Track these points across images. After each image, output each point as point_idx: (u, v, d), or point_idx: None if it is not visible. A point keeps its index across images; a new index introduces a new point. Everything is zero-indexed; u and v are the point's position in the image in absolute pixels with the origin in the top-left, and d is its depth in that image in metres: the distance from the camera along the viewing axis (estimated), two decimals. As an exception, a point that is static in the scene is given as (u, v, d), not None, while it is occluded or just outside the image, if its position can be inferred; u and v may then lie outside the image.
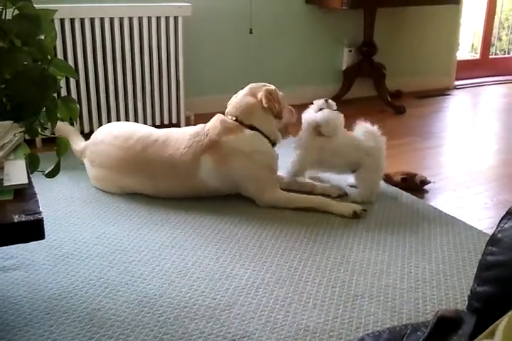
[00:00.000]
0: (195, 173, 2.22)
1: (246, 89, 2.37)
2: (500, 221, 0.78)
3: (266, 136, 2.29)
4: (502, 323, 0.60)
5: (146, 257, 1.84)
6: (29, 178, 1.02)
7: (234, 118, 2.29)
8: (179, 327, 1.49)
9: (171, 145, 2.25)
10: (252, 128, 2.27)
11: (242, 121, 2.27)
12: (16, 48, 1.44)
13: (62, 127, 2.16)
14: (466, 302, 0.80)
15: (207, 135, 2.25)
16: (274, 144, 2.34)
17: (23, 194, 0.98)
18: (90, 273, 1.74)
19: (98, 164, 2.34)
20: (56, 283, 1.68)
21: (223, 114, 2.35)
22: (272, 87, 2.38)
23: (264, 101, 2.27)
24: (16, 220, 0.88)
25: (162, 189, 2.27)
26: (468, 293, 1.63)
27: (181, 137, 2.26)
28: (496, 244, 0.76)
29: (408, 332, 0.76)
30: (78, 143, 2.50)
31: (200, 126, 2.33)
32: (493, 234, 0.77)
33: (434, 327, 0.68)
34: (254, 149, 2.24)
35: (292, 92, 3.89)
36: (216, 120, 2.30)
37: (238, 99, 2.34)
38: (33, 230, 0.90)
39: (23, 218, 0.89)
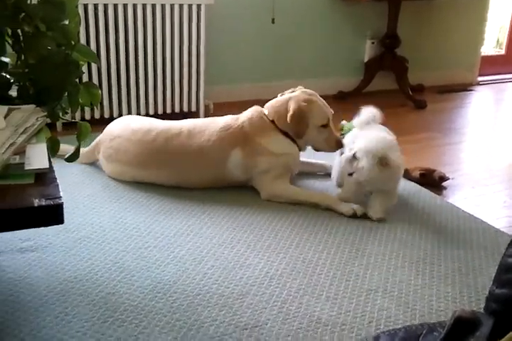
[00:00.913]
0: (224, 164, 2.23)
1: (296, 92, 2.31)
2: (523, 223, 0.77)
3: (296, 143, 2.30)
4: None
5: (162, 243, 1.85)
6: (50, 162, 1.03)
7: (271, 119, 2.27)
8: (192, 314, 1.50)
9: (198, 136, 2.23)
10: (286, 133, 2.27)
11: (277, 125, 2.26)
12: (40, 33, 1.44)
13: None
14: (484, 303, 0.80)
15: (240, 128, 2.24)
16: (300, 150, 2.35)
17: (44, 178, 0.99)
18: (106, 257, 1.76)
19: (116, 159, 2.32)
20: (72, 266, 1.70)
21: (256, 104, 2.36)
22: (319, 101, 2.28)
23: (289, 116, 2.21)
24: (36, 204, 0.89)
25: (186, 180, 2.27)
26: (484, 292, 1.63)
27: (210, 128, 2.25)
28: (517, 246, 0.74)
29: (424, 332, 0.75)
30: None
31: (231, 117, 2.31)
32: (515, 235, 0.76)
33: (452, 328, 0.67)
34: (283, 152, 2.26)
35: (313, 83, 3.87)
36: (254, 115, 2.28)
37: (280, 103, 2.28)
38: (53, 214, 0.91)
39: (43, 202, 0.90)
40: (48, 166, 1.01)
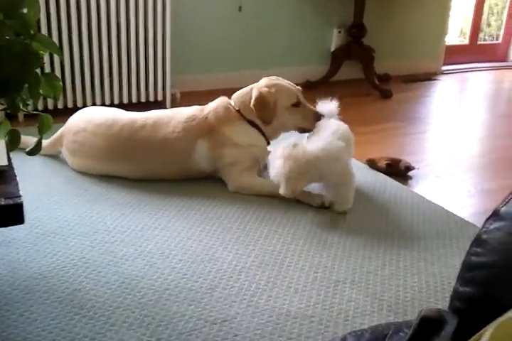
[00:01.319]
0: (190, 156, 2.20)
1: (261, 81, 2.29)
2: (486, 221, 0.77)
3: (263, 133, 2.28)
4: (489, 329, 0.59)
5: (129, 238, 1.82)
6: (9, 160, 1.00)
7: (237, 109, 2.25)
8: (160, 310, 1.48)
9: (164, 128, 2.20)
10: (252, 122, 2.25)
11: (243, 115, 2.25)
12: (-2, 22, 1.39)
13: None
14: (449, 292, 0.80)
15: (206, 119, 2.22)
16: (269, 142, 2.33)
17: (3, 176, 0.95)
18: (72, 252, 1.72)
19: (81, 153, 2.26)
20: (37, 262, 1.66)
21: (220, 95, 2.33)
22: (282, 82, 2.27)
23: (252, 102, 2.21)
24: (-4, 204, 0.86)
25: (152, 172, 2.24)
26: (449, 281, 1.65)
27: (175, 119, 2.22)
28: (480, 245, 0.75)
29: (390, 332, 0.75)
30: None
31: (196, 108, 2.28)
32: (478, 234, 0.76)
33: (417, 327, 0.68)
34: (250, 143, 2.24)
35: (281, 72, 3.85)
36: (220, 105, 2.26)
37: (245, 91, 2.28)
38: (13, 214, 0.88)
39: (3, 201, 0.87)
40: (7, 163, 0.97)
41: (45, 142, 2.38)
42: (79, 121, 2.31)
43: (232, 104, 2.27)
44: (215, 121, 2.21)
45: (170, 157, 2.21)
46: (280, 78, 2.31)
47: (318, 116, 2.26)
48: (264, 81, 2.29)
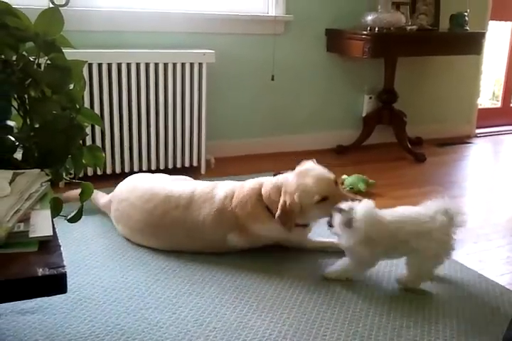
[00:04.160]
0: (223, 243, 2.20)
1: (291, 175, 2.16)
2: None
3: None
4: None
5: (163, 304, 1.83)
6: (54, 229, 1.04)
7: (266, 205, 2.18)
8: (194, 380, 1.46)
9: (196, 213, 2.19)
10: None
11: (272, 212, 2.17)
12: (46, 97, 1.48)
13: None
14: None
15: (233, 210, 2.17)
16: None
17: (48, 246, 0.99)
18: (107, 319, 1.73)
19: (123, 222, 2.32)
20: (73, 328, 1.67)
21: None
22: (310, 183, 2.09)
23: (277, 213, 2.10)
24: (39, 274, 0.89)
25: (186, 249, 2.22)
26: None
27: (207, 204, 2.19)
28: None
29: None
30: (103, 197, 2.51)
31: (228, 190, 2.22)
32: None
33: None
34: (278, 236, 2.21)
35: (313, 138, 3.94)
36: (249, 197, 2.18)
37: (275, 189, 2.16)
38: (56, 284, 0.91)
39: (47, 272, 0.90)
40: (51, 234, 1.01)
41: (104, 197, 2.50)
42: (124, 190, 2.36)
43: (263, 193, 2.19)
44: (243, 216, 2.16)
45: (202, 241, 2.20)
46: (314, 165, 2.19)
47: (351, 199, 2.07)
48: (295, 177, 2.13)
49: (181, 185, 2.31)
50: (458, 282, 2.05)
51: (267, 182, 2.21)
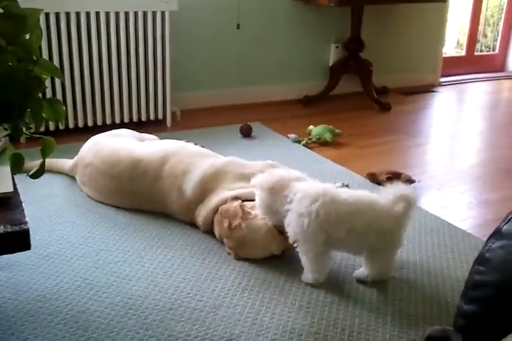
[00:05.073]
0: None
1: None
2: (488, 240, 0.78)
3: None
4: None
5: (132, 258, 1.83)
6: (14, 186, 1.01)
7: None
8: (165, 330, 1.49)
9: (166, 183, 2.09)
10: None
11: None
12: (0, 49, 1.42)
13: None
14: (453, 319, 0.81)
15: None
16: None
17: (9, 202, 0.97)
18: (75, 273, 1.73)
19: (89, 187, 2.28)
20: (40, 285, 1.67)
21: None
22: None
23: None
24: (1, 231, 0.87)
25: (155, 210, 2.17)
26: (452, 293, 1.65)
27: (178, 178, 2.08)
28: (483, 264, 0.76)
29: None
30: (67, 162, 2.44)
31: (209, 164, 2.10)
32: (481, 252, 0.78)
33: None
34: None
35: (279, 88, 3.90)
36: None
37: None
38: (19, 240, 0.89)
39: (9, 229, 0.88)
40: (12, 190, 0.99)
41: (67, 163, 2.43)
42: (88, 154, 2.30)
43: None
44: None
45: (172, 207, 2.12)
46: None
47: None
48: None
49: (146, 144, 2.28)
50: (421, 228, 2.10)
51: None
